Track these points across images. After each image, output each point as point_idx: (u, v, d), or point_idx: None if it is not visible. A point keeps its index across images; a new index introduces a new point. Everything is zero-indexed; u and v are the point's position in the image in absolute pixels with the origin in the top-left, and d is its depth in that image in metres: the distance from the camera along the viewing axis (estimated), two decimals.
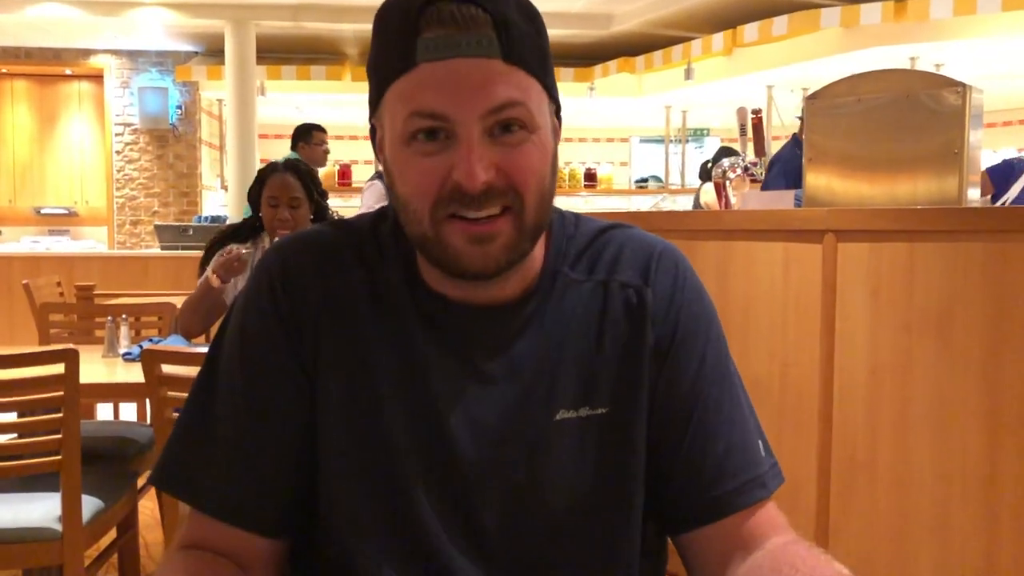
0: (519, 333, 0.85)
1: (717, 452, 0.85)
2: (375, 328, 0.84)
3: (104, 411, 4.06)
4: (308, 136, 5.34)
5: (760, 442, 0.88)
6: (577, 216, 0.94)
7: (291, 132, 5.38)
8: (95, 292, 4.10)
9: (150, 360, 2.07)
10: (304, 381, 0.84)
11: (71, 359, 1.98)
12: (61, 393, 1.99)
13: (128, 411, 4.03)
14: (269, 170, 2.89)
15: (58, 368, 1.99)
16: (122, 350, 2.64)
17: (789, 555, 0.79)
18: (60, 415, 2.00)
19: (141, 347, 2.17)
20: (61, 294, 4.39)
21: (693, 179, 8.13)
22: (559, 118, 0.85)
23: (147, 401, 2.30)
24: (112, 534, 2.40)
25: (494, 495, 0.83)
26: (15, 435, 2.23)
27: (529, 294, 0.86)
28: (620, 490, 0.86)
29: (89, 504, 2.10)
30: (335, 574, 0.85)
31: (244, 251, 2.73)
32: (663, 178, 8.91)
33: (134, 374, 2.32)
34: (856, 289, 2.44)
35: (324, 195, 2.93)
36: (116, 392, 2.64)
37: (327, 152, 5.48)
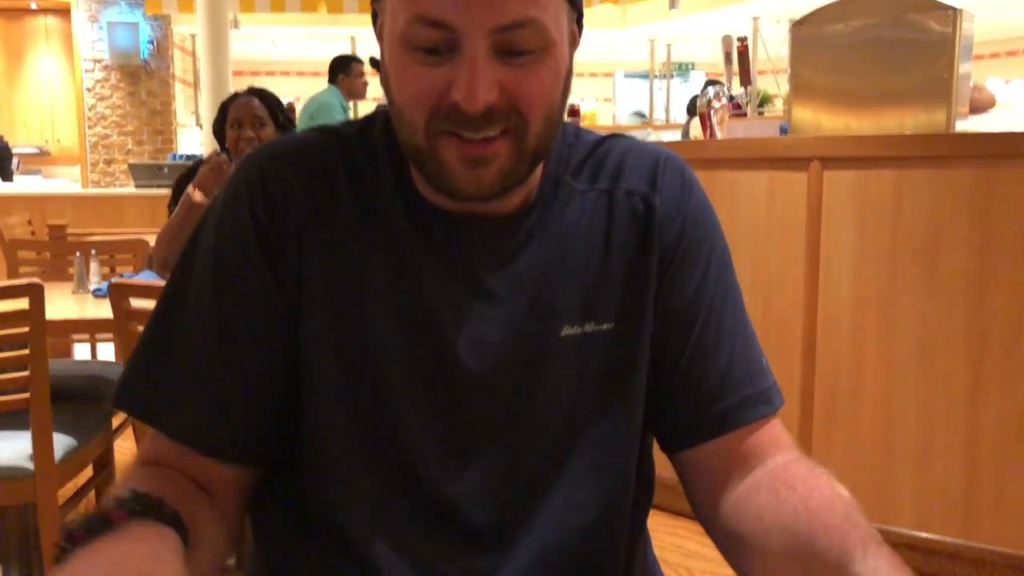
0: (520, 246, 0.80)
1: (719, 366, 0.81)
2: (365, 242, 0.78)
3: (82, 351, 4.01)
4: (347, 68, 5.15)
5: (763, 359, 0.85)
6: (576, 125, 0.88)
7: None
8: (68, 231, 4.02)
9: (118, 294, 2.01)
10: (282, 301, 0.78)
11: (36, 293, 1.92)
12: (27, 329, 1.94)
13: (106, 352, 3.99)
14: (231, 98, 2.84)
15: (23, 303, 1.93)
16: (92, 286, 2.57)
17: (789, 475, 0.76)
18: (27, 352, 1.95)
19: (111, 283, 2.11)
20: (33, 233, 4.30)
21: (678, 115, 8.04)
22: (580, 25, 0.77)
23: None
24: (88, 472, 2.37)
25: (493, 415, 0.79)
26: None
27: (530, 205, 0.81)
28: (622, 407, 0.82)
29: (62, 442, 2.06)
30: (319, 505, 0.81)
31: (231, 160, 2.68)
32: (647, 114, 8.80)
33: (104, 310, 2.26)
34: (842, 218, 2.41)
35: (291, 122, 2.87)
36: (85, 328, 2.59)
37: (367, 84, 5.28)
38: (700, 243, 0.84)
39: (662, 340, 0.83)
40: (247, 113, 2.74)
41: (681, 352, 0.82)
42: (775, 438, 0.82)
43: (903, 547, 2.37)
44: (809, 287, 2.46)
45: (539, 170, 0.80)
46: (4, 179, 6.98)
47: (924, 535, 2.30)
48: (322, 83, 5.34)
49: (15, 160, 7.56)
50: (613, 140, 0.87)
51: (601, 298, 0.81)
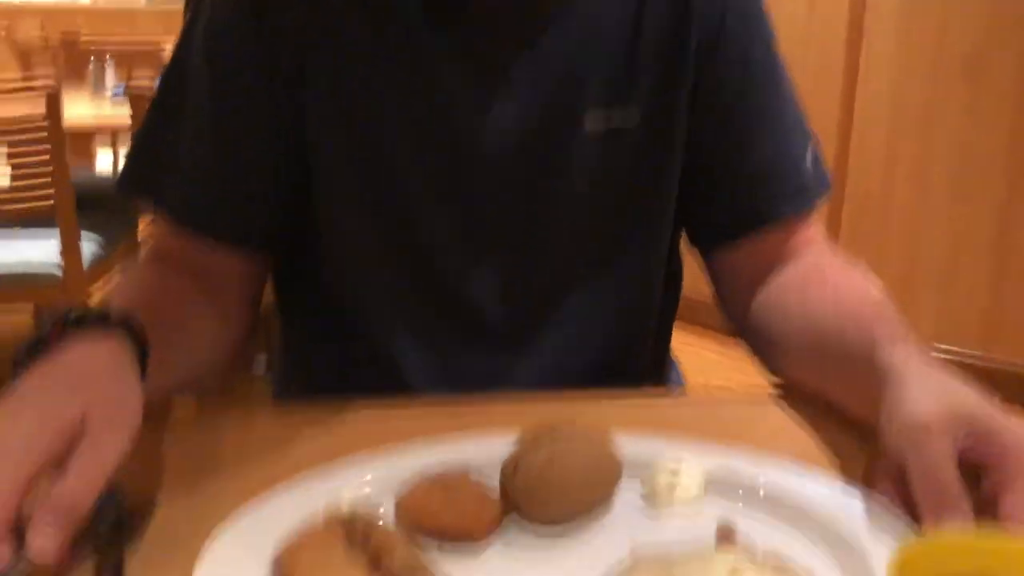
0: (543, 29, 0.74)
1: (756, 161, 0.77)
2: (372, 24, 0.73)
3: (105, 160, 4.01)
4: None
5: (808, 151, 0.80)
6: None
7: None
8: (82, 38, 3.92)
9: (136, 103, 1.98)
10: (282, 91, 0.73)
11: (52, 96, 1.89)
12: (45, 133, 1.92)
13: None
14: None
15: (39, 107, 1.90)
16: (109, 91, 2.53)
17: (820, 272, 0.74)
18: (47, 156, 1.94)
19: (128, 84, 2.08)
20: (45, 39, 4.19)
21: None
22: None
23: None
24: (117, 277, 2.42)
25: (512, 209, 0.76)
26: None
27: None
28: (650, 204, 0.79)
29: (89, 246, 2.09)
30: (339, 299, 0.80)
31: None
32: None
33: (122, 112, 2.24)
34: (885, 28, 2.28)
35: None
36: (104, 131, 2.57)
37: None
38: (742, 33, 0.77)
39: (697, 133, 0.78)
40: None
41: (717, 146, 0.78)
42: (810, 235, 0.79)
43: None
44: (845, 101, 2.38)
45: None
46: None
47: (943, 346, 2.32)
48: None
49: None
50: None
51: (631, 87, 0.75)
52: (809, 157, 0.80)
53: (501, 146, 0.74)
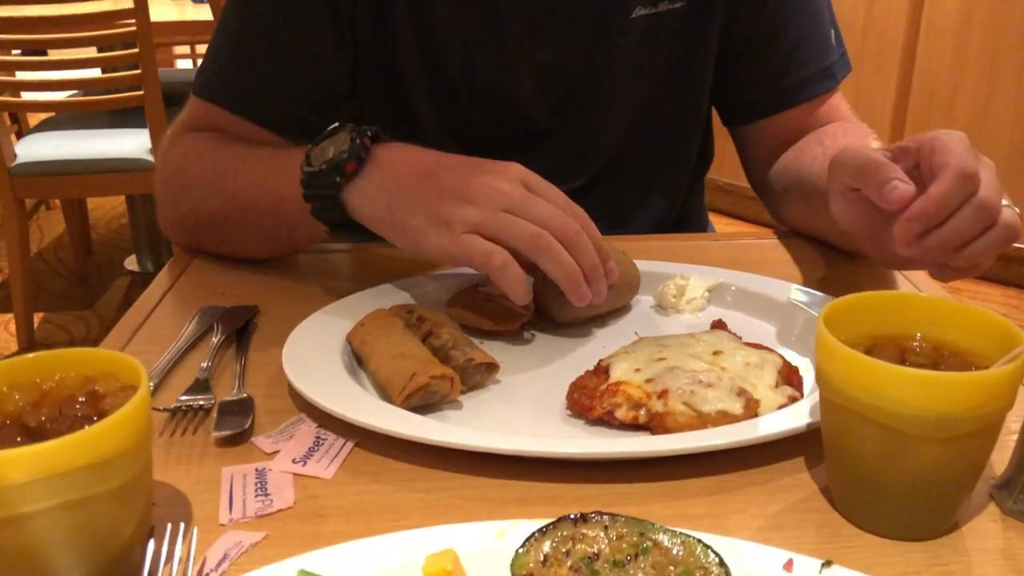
0: None
1: (786, 45, 0.82)
2: None
3: (183, 67, 4.14)
4: None
5: (832, 31, 0.84)
6: None
7: None
8: None
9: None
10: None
11: None
12: (134, 28, 2.02)
13: None
14: None
15: (127, 2, 2.00)
16: None
17: (826, 134, 0.79)
18: (136, 51, 2.05)
19: None
20: None
21: None
22: None
23: None
24: None
25: (565, 99, 0.82)
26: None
27: None
28: (686, 86, 0.85)
29: None
30: None
31: None
32: None
33: (203, 13, 2.33)
34: None
35: None
36: (187, 30, 2.65)
37: None
38: None
39: (730, 20, 0.82)
40: None
41: (751, 33, 0.82)
42: (832, 109, 0.84)
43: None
44: None
45: None
46: None
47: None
48: None
49: None
50: None
51: None
52: (833, 36, 0.84)
53: (548, 41, 0.79)
